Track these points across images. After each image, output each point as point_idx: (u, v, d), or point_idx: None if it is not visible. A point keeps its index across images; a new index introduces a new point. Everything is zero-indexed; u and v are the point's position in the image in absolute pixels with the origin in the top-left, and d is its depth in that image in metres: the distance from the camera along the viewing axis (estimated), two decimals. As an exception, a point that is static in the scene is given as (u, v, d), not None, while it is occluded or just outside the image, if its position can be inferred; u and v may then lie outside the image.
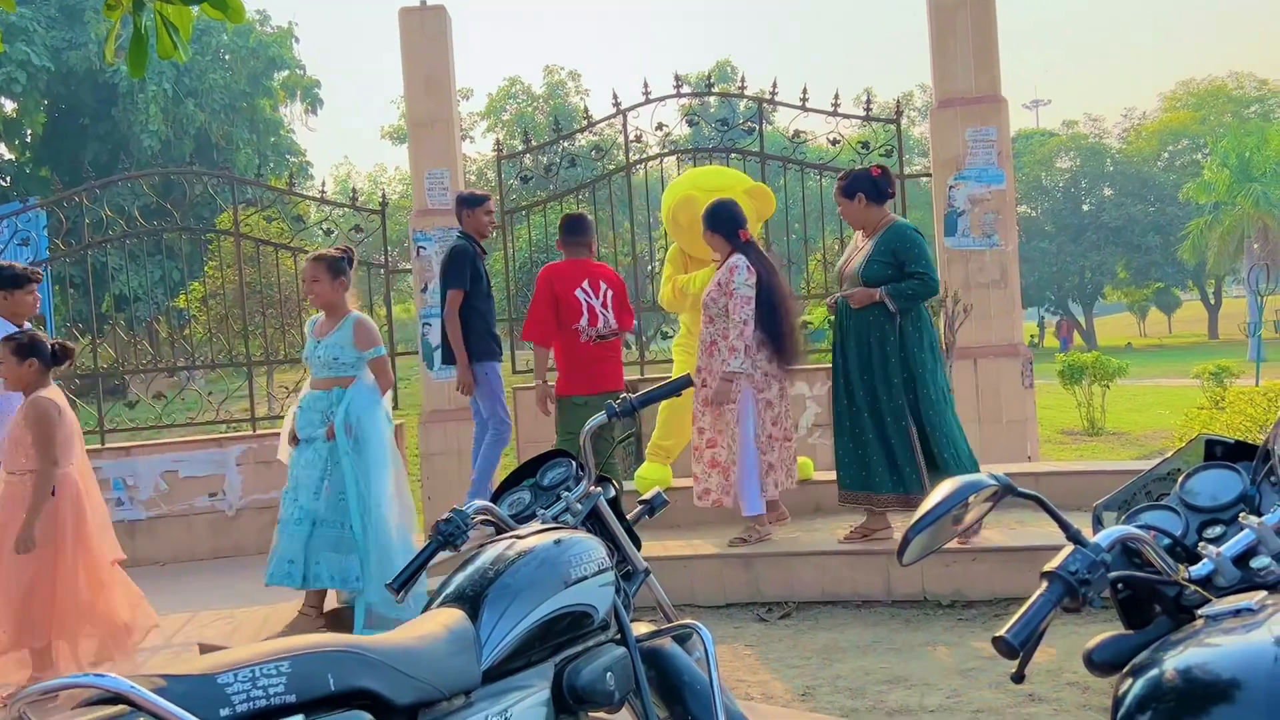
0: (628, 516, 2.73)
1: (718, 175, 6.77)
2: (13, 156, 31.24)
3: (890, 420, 5.00)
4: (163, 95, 27.14)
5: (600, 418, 2.67)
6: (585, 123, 9.63)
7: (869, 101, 8.61)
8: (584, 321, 5.75)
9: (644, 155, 9.40)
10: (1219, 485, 1.75)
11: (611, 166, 10.46)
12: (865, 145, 8.65)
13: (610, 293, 5.87)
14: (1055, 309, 48.44)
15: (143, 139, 26.87)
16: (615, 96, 8.74)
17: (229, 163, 29.42)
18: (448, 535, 2.38)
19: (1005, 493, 1.61)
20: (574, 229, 5.99)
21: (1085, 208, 44.31)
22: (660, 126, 9.15)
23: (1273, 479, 1.70)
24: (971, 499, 1.60)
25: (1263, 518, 1.63)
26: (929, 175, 8.41)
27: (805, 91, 8.58)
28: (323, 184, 10.29)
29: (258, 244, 9.18)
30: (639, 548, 2.68)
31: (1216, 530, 1.69)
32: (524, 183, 8.91)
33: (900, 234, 5.04)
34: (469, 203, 6.28)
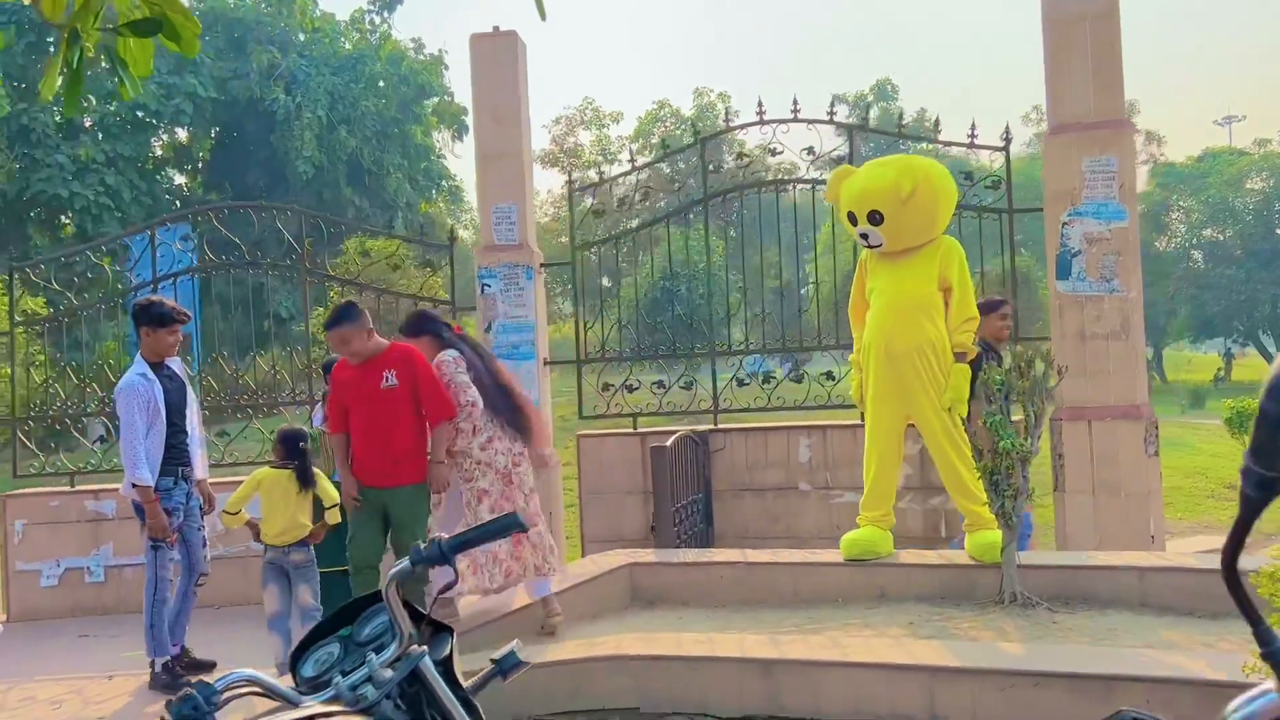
0: (467, 683, 2.13)
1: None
2: (184, 180, 32.99)
3: None
4: (317, 122, 28.02)
5: (404, 566, 2.08)
6: (663, 151, 9.07)
7: (973, 128, 7.65)
8: None
9: (730, 184, 8.74)
10: None
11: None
12: (968, 176, 7.74)
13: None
14: (1244, 340, 44.86)
15: (297, 164, 27.81)
16: (695, 126, 8.23)
17: (380, 188, 30.23)
18: (183, 719, 1.84)
19: None
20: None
21: (1279, 231, 40.96)
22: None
23: None
24: None
25: None
26: (1039, 210, 7.41)
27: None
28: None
29: (322, 279, 9.04)
30: (479, 722, 2.07)
31: None
32: (596, 216, 8.41)
33: None
34: None
